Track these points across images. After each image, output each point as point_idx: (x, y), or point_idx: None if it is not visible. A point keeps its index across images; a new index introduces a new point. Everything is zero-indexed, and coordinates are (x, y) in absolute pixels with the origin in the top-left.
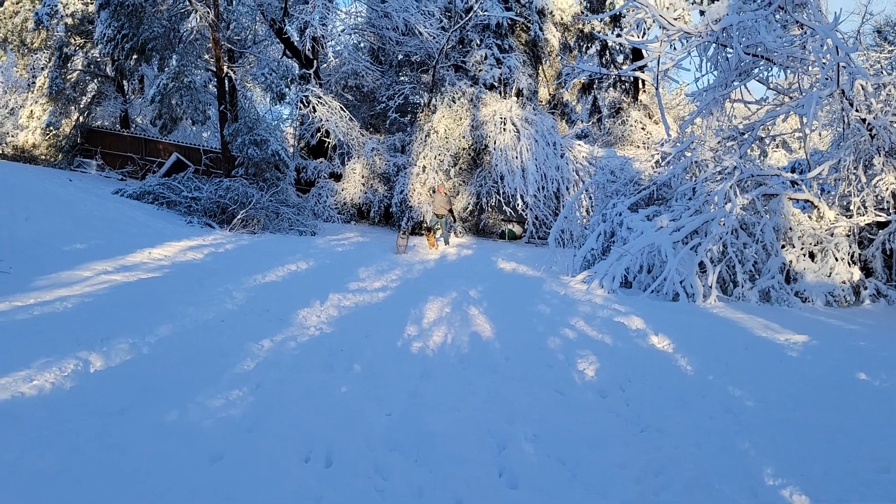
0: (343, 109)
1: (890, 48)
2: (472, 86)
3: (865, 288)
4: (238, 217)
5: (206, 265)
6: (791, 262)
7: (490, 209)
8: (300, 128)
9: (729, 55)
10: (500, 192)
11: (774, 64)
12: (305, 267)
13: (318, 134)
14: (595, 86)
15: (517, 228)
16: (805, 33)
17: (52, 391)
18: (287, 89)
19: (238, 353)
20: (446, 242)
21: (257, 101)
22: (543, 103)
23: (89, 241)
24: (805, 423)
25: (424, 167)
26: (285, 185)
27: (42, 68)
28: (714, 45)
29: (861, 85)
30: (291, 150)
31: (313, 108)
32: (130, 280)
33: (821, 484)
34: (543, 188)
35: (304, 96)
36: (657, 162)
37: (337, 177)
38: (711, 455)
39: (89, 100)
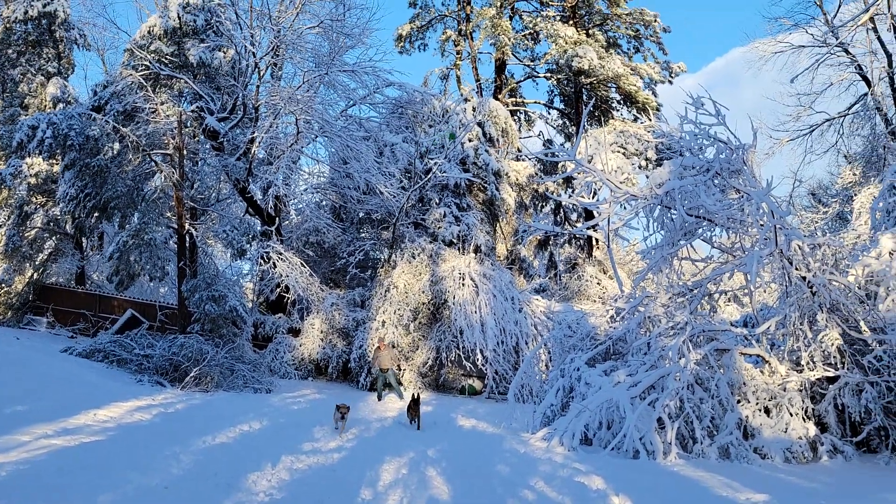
0: (303, 265)
1: (824, 210)
2: (431, 242)
3: (822, 444)
4: (191, 375)
5: (154, 426)
6: (747, 416)
7: (450, 364)
8: (260, 283)
9: (673, 216)
10: (460, 346)
11: (716, 224)
12: (258, 427)
13: (278, 289)
14: (551, 242)
15: (477, 383)
16: (742, 197)
17: None
18: (248, 246)
19: None
20: (400, 397)
21: (217, 257)
22: (501, 259)
23: (32, 403)
24: None
25: (384, 322)
26: (242, 340)
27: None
28: (659, 206)
29: (798, 245)
30: (250, 304)
31: (274, 264)
32: (71, 444)
33: None
34: (503, 342)
35: (265, 253)
36: (612, 317)
37: (295, 332)
38: None
39: (45, 256)
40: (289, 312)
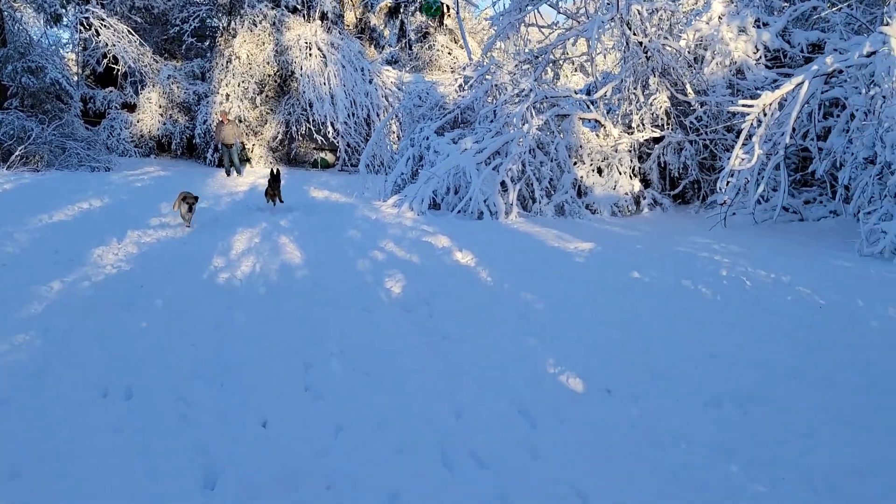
0: (132, 33)
1: None
2: (273, 8)
3: (644, 198)
4: (16, 154)
5: None
6: (582, 177)
7: (301, 138)
8: (83, 53)
9: None
10: (310, 119)
11: None
12: (100, 204)
13: (105, 60)
14: (402, 10)
15: (329, 156)
16: None
17: None
18: (63, 10)
19: (23, 298)
20: (239, 173)
21: (29, 24)
22: (350, 28)
23: None
24: (587, 318)
25: (228, 95)
26: (70, 117)
27: None
28: None
29: (637, 10)
30: (76, 78)
31: (96, 31)
32: None
33: (596, 371)
34: (354, 115)
35: (84, 18)
36: (461, 86)
37: (131, 107)
38: (504, 354)
39: None
40: (121, 86)
